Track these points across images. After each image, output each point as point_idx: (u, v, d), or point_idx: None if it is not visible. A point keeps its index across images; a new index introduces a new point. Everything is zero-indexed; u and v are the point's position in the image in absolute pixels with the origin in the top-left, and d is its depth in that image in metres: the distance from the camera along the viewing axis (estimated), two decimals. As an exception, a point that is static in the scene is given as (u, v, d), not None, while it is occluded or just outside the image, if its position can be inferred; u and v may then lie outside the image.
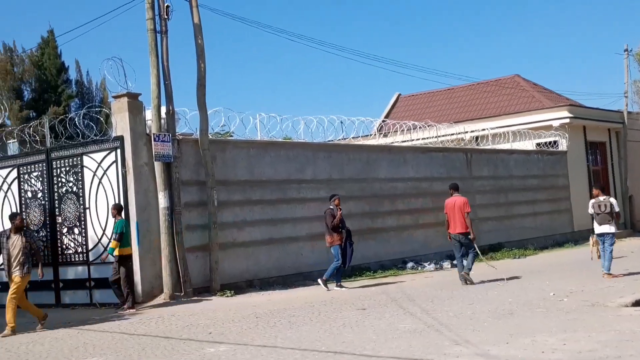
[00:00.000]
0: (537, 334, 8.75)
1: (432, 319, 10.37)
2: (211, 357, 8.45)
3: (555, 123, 27.49)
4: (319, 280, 15.45)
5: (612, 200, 14.82)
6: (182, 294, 14.39)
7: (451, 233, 15.03)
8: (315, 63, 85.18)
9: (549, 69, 76.74)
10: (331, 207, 15.52)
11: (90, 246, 14.93)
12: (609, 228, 14.63)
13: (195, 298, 14.37)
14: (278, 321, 11.06)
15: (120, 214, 13.98)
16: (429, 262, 19.33)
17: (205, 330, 10.59)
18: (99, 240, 14.77)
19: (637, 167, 32.13)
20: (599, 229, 14.81)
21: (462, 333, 9.10)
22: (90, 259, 14.91)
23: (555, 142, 27.42)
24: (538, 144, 27.06)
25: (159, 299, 14.23)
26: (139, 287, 14.19)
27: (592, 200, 14.99)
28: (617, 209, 14.72)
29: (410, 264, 19.15)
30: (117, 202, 14.39)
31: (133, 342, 9.96)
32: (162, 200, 14.50)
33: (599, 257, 15.41)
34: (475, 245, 15.05)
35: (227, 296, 14.57)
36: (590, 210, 14.97)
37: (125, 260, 13.78)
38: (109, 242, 14.25)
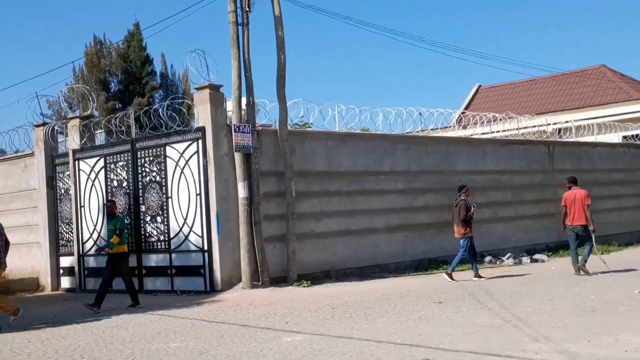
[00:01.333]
0: (620, 332, 8.50)
1: (511, 315, 10.21)
2: (288, 346, 8.56)
3: (644, 115, 26.56)
4: (444, 274, 15.39)
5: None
6: (259, 283, 14.60)
7: (569, 225, 15.27)
8: (394, 54, 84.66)
9: (638, 59, 74.00)
10: (462, 198, 15.50)
11: (172, 235, 15.31)
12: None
13: (273, 287, 14.56)
14: (354, 312, 11.11)
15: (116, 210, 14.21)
16: (507, 257, 19.01)
17: (282, 319, 10.73)
18: (180, 229, 15.13)
19: None
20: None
21: (541, 329, 8.93)
22: (172, 247, 15.29)
23: (643, 135, 26.49)
24: (624, 137, 26.20)
25: (237, 288, 14.47)
26: (217, 276, 14.48)
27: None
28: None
29: (488, 258, 18.88)
30: (197, 192, 14.73)
31: (212, 329, 10.18)
32: (242, 191, 14.72)
33: None
34: (593, 237, 15.25)
35: (304, 286, 14.71)
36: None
37: (124, 258, 13.58)
38: (189, 231, 14.63)
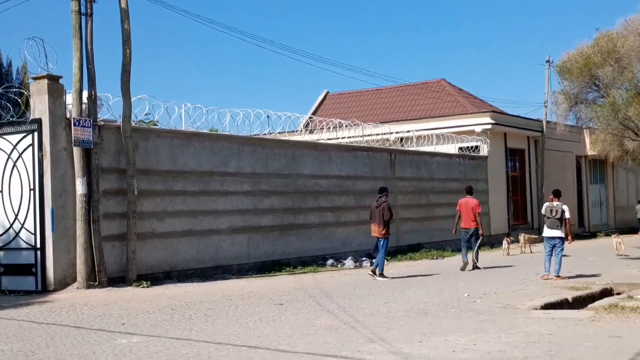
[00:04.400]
0: (449, 333, 8.91)
1: (349, 316, 10.43)
2: (122, 349, 8.27)
3: (478, 128, 28.10)
4: (376, 276, 15.77)
5: (565, 207, 15.31)
6: (96, 283, 14.05)
7: (461, 227, 17.75)
8: (245, 56, 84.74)
9: (475, 76, 78.53)
10: (384, 199, 16.06)
11: (1, 231, 14.42)
12: (557, 232, 15.20)
13: (110, 288, 14.06)
14: (194, 314, 10.93)
15: None
16: (348, 260, 19.46)
17: (118, 320, 10.37)
18: (11, 225, 14.29)
19: (553, 175, 33.19)
20: (547, 232, 15.38)
21: (377, 331, 9.19)
22: (0, 244, 14.40)
23: (477, 147, 28.03)
24: (460, 148, 27.61)
25: (72, 288, 13.85)
26: (50, 275, 13.80)
27: (546, 204, 15.58)
28: (567, 215, 15.27)
29: (330, 261, 19.25)
30: (31, 187, 13.98)
31: (42, 330, 9.65)
32: (80, 187, 14.12)
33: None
34: (479, 240, 17.68)
35: (144, 287, 14.31)
36: (543, 212, 15.62)
37: None
38: (21, 228, 13.84)
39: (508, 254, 22.58)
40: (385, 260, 16.44)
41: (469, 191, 18.32)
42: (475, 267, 17.42)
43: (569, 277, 15.12)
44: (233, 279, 16.15)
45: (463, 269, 17.23)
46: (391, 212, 16.06)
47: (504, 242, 23.34)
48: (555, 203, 15.31)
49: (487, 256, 21.95)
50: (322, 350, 8.02)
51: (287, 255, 18.59)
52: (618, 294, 13.17)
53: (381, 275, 15.75)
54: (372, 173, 22.04)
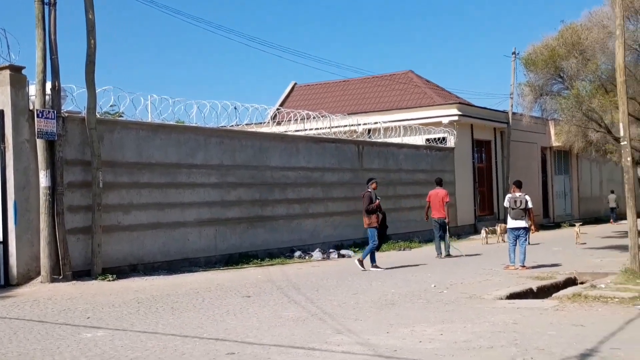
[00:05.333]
0: (416, 324, 8.96)
1: (316, 308, 10.44)
2: (87, 343, 8.17)
3: (445, 120, 28.28)
4: (356, 261, 16.06)
5: (527, 197, 15.50)
6: (61, 277, 13.87)
7: (432, 217, 18.76)
8: (212, 47, 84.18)
9: (442, 68, 78.95)
10: (369, 190, 16.12)
11: (-37, 225, 14.15)
12: (522, 223, 15.36)
13: (75, 282, 13.87)
14: (160, 307, 10.85)
15: None
16: (316, 252, 19.48)
17: (83, 314, 10.25)
18: (-27, 218, 14.02)
19: (519, 166, 33.53)
20: (512, 223, 15.52)
21: (344, 322, 9.21)
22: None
23: (443, 138, 28.20)
24: (427, 140, 27.75)
25: (36, 282, 13.65)
26: (14, 269, 13.58)
27: (509, 195, 15.79)
28: (530, 205, 15.47)
29: (298, 253, 19.25)
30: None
31: (4, 325, 9.49)
32: (43, 180, 13.91)
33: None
34: (447, 228, 18.83)
35: (109, 280, 14.16)
36: (506, 204, 15.76)
37: None
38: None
39: (487, 243, 23.40)
40: (376, 252, 16.19)
41: (439, 183, 19.30)
42: (448, 255, 18.60)
43: (534, 267, 15.31)
44: (200, 271, 16.07)
45: (439, 257, 18.49)
46: (371, 200, 16.00)
47: (482, 231, 24.16)
48: (517, 194, 15.49)
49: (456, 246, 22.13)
50: (290, 342, 8.02)
51: (254, 247, 18.54)
52: (582, 283, 13.38)
53: (360, 262, 15.81)
54: (340, 165, 22.06)
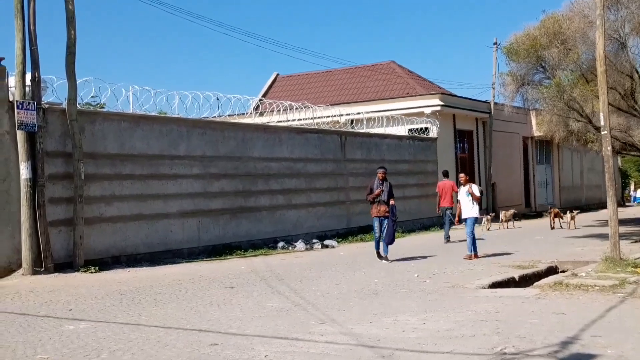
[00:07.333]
0: (399, 313, 9.00)
1: (300, 298, 10.45)
2: (70, 335, 8.14)
3: (427, 110, 28.34)
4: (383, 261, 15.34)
5: (474, 185, 15.88)
6: (42, 269, 13.79)
7: (442, 206, 20.44)
8: (194, 38, 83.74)
9: (424, 58, 79.04)
10: (373, 180, 15.78)
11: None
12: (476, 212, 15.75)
13: (57, 274, 13.80)
14: (143, 298, 10.82)
15: None
16: (299, 242, 19.49)
17: (65, 306, 10.20)
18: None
19: (501, 156, 33.72)
20: (470, 213, 15.75)
21: (328, 312, 9.23)
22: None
23: (426, 128, 28.26)
24: (410, 130, 27.79)
25: (17, 275, 13.57)
26: (-5, 262, 13.50)
27: (463, 187, 15.93)
28: (477, 193, 15.77)
29: (281, 244, 19.25)
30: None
31: (-14, 319, 9.44)
32: (24, 171, 13.81)
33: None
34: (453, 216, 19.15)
35: (91, 272, 14.10)
36: (462, 196, 15.85)
37: None
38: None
39: (488, 229, 24.66)
40: (381, 243, 15.54)
41: (446, 174, 21.40)
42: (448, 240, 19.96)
43: (495, 255, 15.45)
44: (183, 263, 16.03)
45: (447, 242, 19.80)
46: (371, 190, 15.46)
47: (484, 218, 24.85)
48: (467, 184, 15.86)
49: (437, 237, 22.27)
50: (274, 332, 8.03)
51: (238, 238, 18.52)
52: (563, 271, 13.48)
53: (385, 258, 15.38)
54: (323, 155, 22.06)
